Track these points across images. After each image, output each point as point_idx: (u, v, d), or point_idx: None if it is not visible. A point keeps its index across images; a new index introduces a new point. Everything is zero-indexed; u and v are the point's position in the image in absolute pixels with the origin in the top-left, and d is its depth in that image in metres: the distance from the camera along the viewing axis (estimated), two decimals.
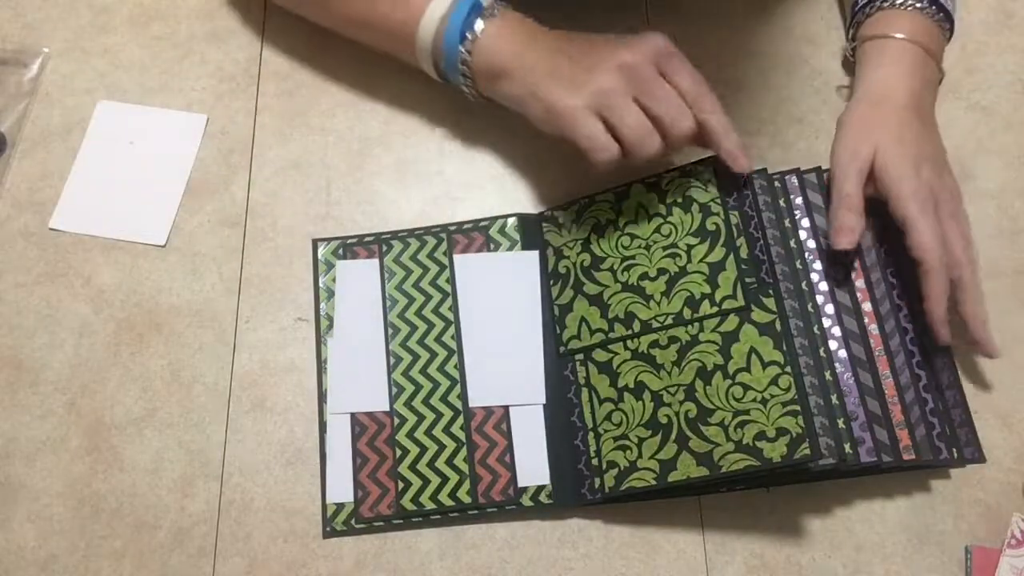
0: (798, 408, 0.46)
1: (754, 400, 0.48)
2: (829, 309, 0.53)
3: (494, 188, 0.61)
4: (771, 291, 0.50)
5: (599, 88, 0.49)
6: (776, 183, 0.56)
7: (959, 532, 0.52)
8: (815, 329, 0.52)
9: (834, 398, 0.50)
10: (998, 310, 0.57)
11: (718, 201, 0.53)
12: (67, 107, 0.63)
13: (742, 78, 0.64)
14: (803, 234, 0.55)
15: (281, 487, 0.54)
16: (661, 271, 0.54)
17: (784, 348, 0.48)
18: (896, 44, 0.56)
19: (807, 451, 0.45)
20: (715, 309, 0.51)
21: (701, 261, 0.52)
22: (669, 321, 0.52)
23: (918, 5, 0.57)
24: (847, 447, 0.48)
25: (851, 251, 0.53)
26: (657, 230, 0.55)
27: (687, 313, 0.52)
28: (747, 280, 0.51)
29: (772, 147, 0.60)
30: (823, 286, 0.54)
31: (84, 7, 0.67)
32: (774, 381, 0.48)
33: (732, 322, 0.50)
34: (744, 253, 0.51)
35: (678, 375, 0.51)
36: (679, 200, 0.55)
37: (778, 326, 0.49)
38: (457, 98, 0.61)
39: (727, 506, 0.53)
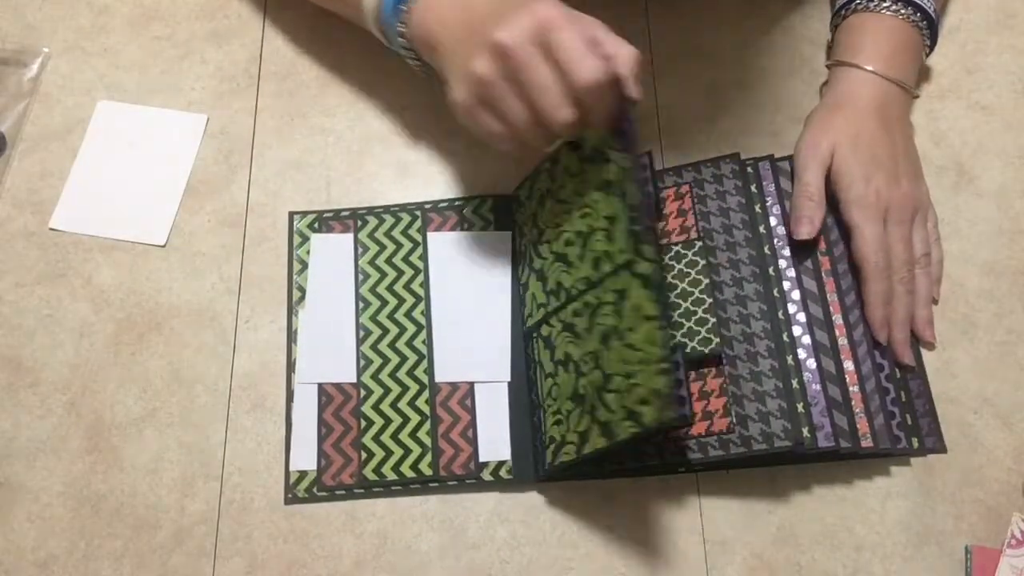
0: (668, 366, 0.42)
1: (639, 361, 0.43)
2: (796, 295, 0.53)
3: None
4: (650, 237, 0.45)
5: (476, 78, 0.45)
6: (748, 169, 0.56)
7: (959, 532, 0.52)
8: (780, 314, 0.52)
9: (795, 383, 0.49)
10: (998, 310, 0.57)
11: (613, 147, 0.48)
12: (67, 107, 0.63)
13: (742, 78, 0.64)
14: (773, 220, 0.55)
15: (281, 487, 0.54)
16: (578, 234, 0.50)
17: (658, 299, 0.43)
18: (863, 75, 0.57)
19: (672, 413, 0.41)
20: (611, 267, 0.47)
21: (602, 216, 0.48)
22: (582, 286, 0.49)
23: (893, 7, 0.57)
24: (805, 431, 0.48)
25: (819, 241, 0.54)
26: (576, 191, 0.51)
27: (593, 275, 0.49)
28: (634, 228, 0.46)
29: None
30: (790, 272, 0.54)
31: (84, 7, 0.67)
32: (652, 339, 0.43)
33: (624, 278, 0.46)
34: (634, 199, 0.46)
35: (590, 342, 0.48)
36: (592, 155, 0.50)
37: (655, 276, 0.44)
38: None
39: (727, 506, 0.53)
